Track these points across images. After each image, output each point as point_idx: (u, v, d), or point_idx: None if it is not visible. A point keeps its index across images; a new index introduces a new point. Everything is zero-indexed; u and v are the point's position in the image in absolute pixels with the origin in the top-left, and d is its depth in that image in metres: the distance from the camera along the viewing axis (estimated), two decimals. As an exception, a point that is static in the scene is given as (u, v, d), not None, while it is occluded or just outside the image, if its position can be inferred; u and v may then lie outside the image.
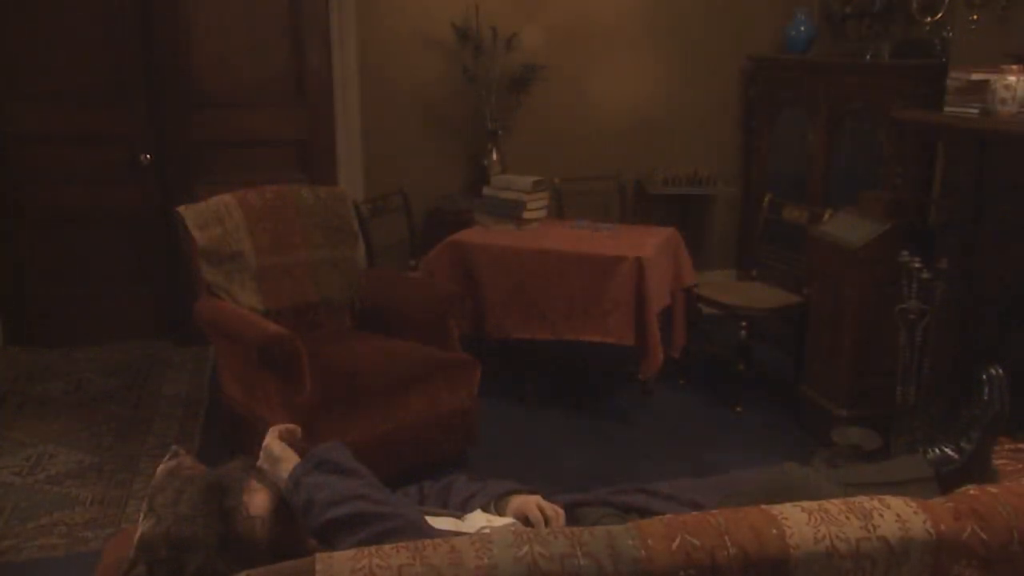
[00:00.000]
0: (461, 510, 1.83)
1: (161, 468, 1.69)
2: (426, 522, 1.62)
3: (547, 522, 1.79)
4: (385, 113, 4.82)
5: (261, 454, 1.74)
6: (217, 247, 3.26)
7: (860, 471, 2.05)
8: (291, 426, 1.82)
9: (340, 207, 3.63)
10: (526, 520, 1.78)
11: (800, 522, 1.32)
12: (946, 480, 1.77)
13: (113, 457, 3.43)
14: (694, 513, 1.37)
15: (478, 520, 1.76)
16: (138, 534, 1.51)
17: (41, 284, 4.55)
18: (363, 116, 4.77)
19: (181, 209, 3.26)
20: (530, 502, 1.82)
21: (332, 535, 1.54)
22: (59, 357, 4.44)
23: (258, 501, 1.55)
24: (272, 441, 1.75)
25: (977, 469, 1.80)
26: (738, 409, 3.89)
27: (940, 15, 4.00)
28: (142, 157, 4.45)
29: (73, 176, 4.46)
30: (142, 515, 1.55)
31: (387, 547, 1.25)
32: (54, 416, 3.78)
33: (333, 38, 4.60)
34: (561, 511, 1.83)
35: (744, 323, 3.90)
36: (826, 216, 3.82)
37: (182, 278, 3.77)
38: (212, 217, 3.29)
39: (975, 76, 3.08)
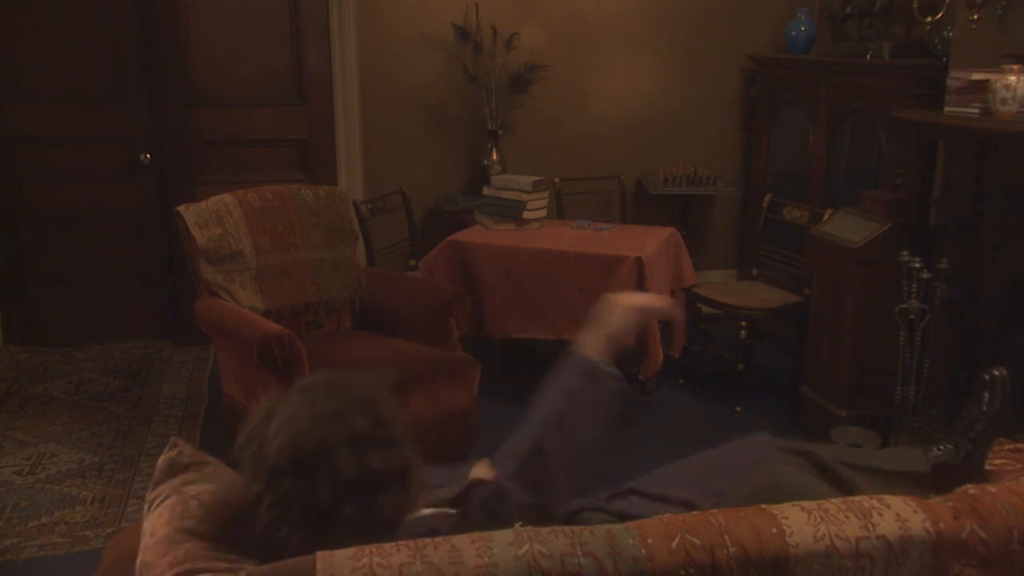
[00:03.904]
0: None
1: (162, 459, 1.68)
2: None
3: None
4: (385, 113, 4.82)
5: None
6: (217, 247, 3.26)
7: (859, 453, 2.05)
8: None
9: (340, 207, 3.63)
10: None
11: (800, 521, 1.32)
12: (942, 479, 1.77)
13: (113, 456, 3.43)
14: (694, 512, 1.37)
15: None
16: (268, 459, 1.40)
17: (41, 284, 4.55)
18: (363, 116, 4.77)
19: (181, 209, 3.26)
20: None
21: None
22: (59, 357, 4.44)
23: None
24: None
25: (972, 470, 1.81)
26: (738, 409, 3.89)
27: (940, 15, 4.00)
28: (142, 157, 4.46)
29: (73, 176, 4.46)
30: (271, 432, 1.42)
31: (387, 545, 1.25)
32: (54, 416, 3.78)
33: (333, 38, 4.60)
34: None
35: (744, 323, 3.91)
36: (826, 216, 3.82)
37: (182, 278, 3.78)
38: (212, 217, 3.29)
39: (975, 76, 3.08)
